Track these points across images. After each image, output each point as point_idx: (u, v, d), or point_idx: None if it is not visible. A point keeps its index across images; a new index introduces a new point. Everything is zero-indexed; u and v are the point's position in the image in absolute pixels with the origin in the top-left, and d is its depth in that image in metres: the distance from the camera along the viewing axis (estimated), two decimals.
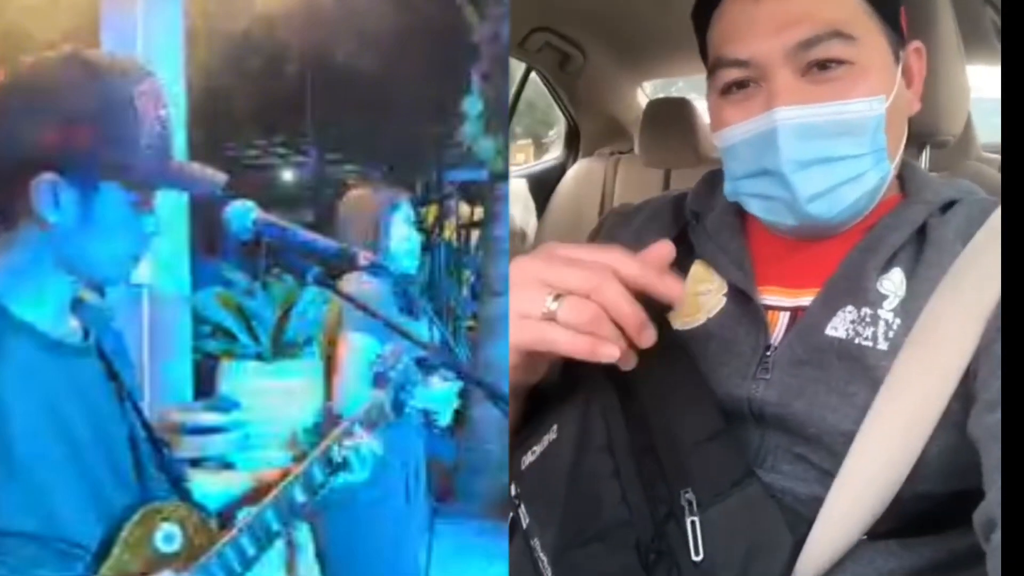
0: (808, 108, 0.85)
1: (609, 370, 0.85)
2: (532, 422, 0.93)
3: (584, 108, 3.04)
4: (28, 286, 0.81)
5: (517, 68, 3.01)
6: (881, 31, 0.89)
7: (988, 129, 2.15)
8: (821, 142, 0.86)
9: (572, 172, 3.05)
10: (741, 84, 0.90)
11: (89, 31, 2.03)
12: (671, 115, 2.68)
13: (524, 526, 0.89)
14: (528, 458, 0.90)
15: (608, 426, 0.85)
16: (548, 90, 3.02)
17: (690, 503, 0.79)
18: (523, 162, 4.18)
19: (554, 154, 3.35)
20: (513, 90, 3.13)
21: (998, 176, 1.83)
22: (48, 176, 0.79)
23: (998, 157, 2.08)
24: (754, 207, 0.93)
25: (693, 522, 0.79)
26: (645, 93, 3.10)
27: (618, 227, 1.08)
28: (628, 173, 2.89)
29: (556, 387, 0.93)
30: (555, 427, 0.89)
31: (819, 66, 0.86)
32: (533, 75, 2.98)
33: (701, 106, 2.76)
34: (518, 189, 3.08)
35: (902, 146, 0.93)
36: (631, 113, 2.96)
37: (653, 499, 0.81)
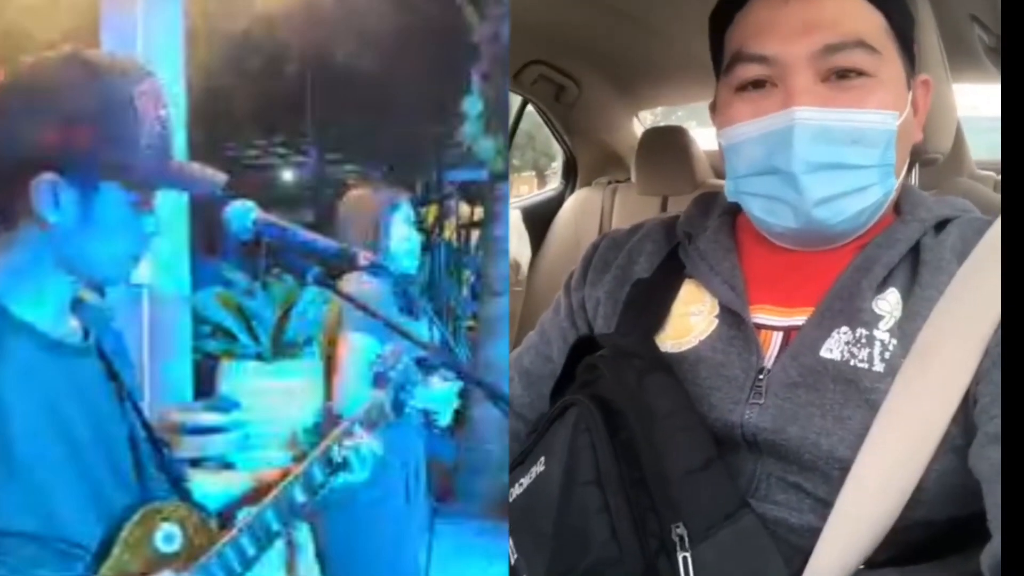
0: (826, 111, 0.85)
1: (598, 399, 0.84)
2: (520, 454, 0.92)
3: (580, 139, 3.05)
4: (28, 286, 0.81)
5: (513, 101, 3.01)
6: (898, 54, 0.90)
7: (984, 147, 2.16)
8: (834, 147, 0.86)
9: (570, 202, 3.06)
10: (757, 84, 0.90)
11: (89, 31, 2.02)
12: (667, 143, 2.71)
13: (512, 561, 0.87)
14: (515, 491, 0.89)
15: (597, 458, 0.83)
16: (544, 122, 3.03)
17: (681, 538, 0.78)
18: (526, 193, 4.17)
19: (552, 185, 3.35)
20: (510, 123, 3.13)
21: (990, 193, 1.83)
22: (48, 176, 0.79)
23: (991, 174, 2.09)
24: (755, 206, 0.92)
25: (685, 558, 0.77)
26: (641, 122, 3.11)
27: (611, 249, 1.07)
28: (625, 201, 2.90)
29: (544, 418, 0.92)
30: (543, 459, 0.87)
31: (839, 74, 0.86)
32: (529, 107, 2.99)
33: (696, 133, 2.77)
34: (513, 220, 3.08)
35: (905, 168, 0.93)
36: (627, 142, 2.97)
37: (643, 534, 0.79)
